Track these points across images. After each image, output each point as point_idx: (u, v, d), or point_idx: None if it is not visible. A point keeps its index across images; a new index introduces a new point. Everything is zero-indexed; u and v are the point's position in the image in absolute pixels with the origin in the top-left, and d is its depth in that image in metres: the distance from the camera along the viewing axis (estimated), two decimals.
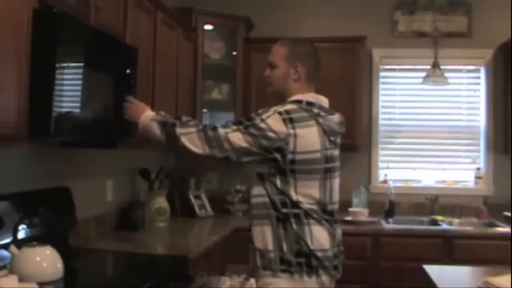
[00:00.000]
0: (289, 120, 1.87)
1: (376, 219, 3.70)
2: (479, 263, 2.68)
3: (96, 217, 2.80)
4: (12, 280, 1.62)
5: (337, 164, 2.09)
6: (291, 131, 1.86)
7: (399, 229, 3.54)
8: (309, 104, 1.97)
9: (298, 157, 1.88)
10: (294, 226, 1.89)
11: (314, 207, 1.92)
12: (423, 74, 3.95)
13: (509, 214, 3.63)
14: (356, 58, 3.85)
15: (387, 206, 3.88)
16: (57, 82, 1.76)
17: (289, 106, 1.93)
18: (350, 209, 3.74)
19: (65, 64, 1.82)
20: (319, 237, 1.91)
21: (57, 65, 1.76)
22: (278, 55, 2.05)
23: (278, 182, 1.90)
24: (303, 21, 4.15)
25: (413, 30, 4.12)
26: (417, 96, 4.16)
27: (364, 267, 3.39)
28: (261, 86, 3.87)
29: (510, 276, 1.96)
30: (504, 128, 3.93)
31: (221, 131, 1.89)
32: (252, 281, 2.47)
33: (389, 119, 4.18)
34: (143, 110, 2.08)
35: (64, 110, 1.83)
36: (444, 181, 4.09)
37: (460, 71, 4.13)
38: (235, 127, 1.89)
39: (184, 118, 2.02)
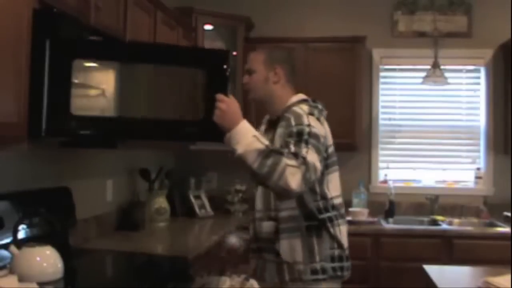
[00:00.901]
0: (317, 119, 1.93)
1: (376, 219, 3.70)
2: (479, 263, 2.68)
3: (96, 217, 2.80)
4: (12, 280, 1.62)
5: None
6: (323, 127, 1.94)
7: (399, 229, 3.55)
8: (314, 101, 2.03)
9: (329, 150, 1.96)
10: (331, 229, 1.93)
11: (340, 200, 2.02)
12: (423, 74, 3.95)
13: (509, 214, 3.63)
14: (356, 58, 3.85)
15: (387, 206, 3.88)
16: (57, 82, 1.76)
17: (305, 107, 1.95)
18: (350, 209, 3.74)
19: (65, 64, 1.82)
20: (345, 235, 1.99)
21: (57, 65, 1.76)
22: (256, 60, 2.06)
23: (317, 186, 1.93)
24: (303, 21, 4.15)
25: (413, 30, 4.12)
26: (417, 96, 4.16)
27: (364, 267, 3.39)
28: None
29: (510, 276, 1.96)
30: (504, 128, 3.93)
31: (310, 160, 1.73)
32: (252, 281, 2.46)
33: (389, 119, 4.18)
34: (239, 118, 1.75)
35: (64, 110, 1.83)
36: (444, 181, 4.10)
37: (460, 71, 4.13)
38: (305, 148, 1.76)
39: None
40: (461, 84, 4.15)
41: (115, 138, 2.43)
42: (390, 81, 4.21)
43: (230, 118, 1.73)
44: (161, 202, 3.33)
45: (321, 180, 1.93)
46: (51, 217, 2.10)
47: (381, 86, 4.17)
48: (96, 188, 2.87)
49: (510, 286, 1.90)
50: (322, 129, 1.91)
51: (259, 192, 2.03)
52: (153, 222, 3.25)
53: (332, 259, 1.92)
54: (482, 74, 4.08)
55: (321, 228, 1.92)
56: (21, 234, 1.95)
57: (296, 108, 1.95)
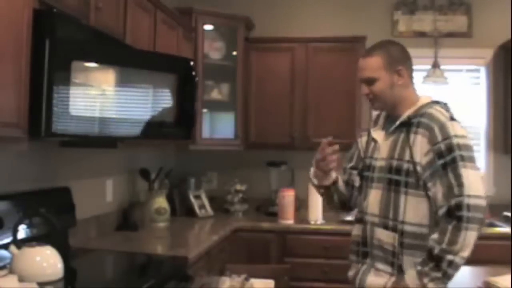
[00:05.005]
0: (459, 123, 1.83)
1: None
2: (479, 263, 2.67)
3: (96, 217, 2.80)
4: (12, 280, 1.62)
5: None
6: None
7: None
8: (445, 104, 1.91)
9: None
10: None
11: (479, 201, 1.78)
12: (423, 74, 3.95)
13: (509, 214, 3.63)
14: (356, 58, 3.81)
15: None
16: (57, 82, 1.76)
17: (442, 110, 1.83)
18: None
19: (65, 64, 1.82)
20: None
21: (57, 65, 1.76)
22: (373, 67, 1.88)
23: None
24: (303, 21, 4.15)
25: (413, 30, 4.12)
26: None
27: None
28: (261, 86, 3.90)
29: (510, 276, 1.96)
30: (504, 128, 3.93)
31: (472, 199, 1.71)
32: (252, 281, 2.47)
33: None
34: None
35: (64, 110, 1.83)
36: None
37: (460, 71, 4.13)
38: (464, 172, 1.75)
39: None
40: (461, 84, 4.15)
41: (114, 138, 2.44)
42: None
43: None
44: (161, 202, 3.33)
45: None
46: (51, 217, 2.11)
47: None
48: (96, 188, 2.87)
49: (510, 286, 1.90)
50: (466, 134, 1.81)
51: (375, 194, 1.86)
52: (153, 222, 3.25)
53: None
54: (482, 74, 4.08)
55: None
56: (21, 234, 1.96)
57: (434, 112, 1.81)
